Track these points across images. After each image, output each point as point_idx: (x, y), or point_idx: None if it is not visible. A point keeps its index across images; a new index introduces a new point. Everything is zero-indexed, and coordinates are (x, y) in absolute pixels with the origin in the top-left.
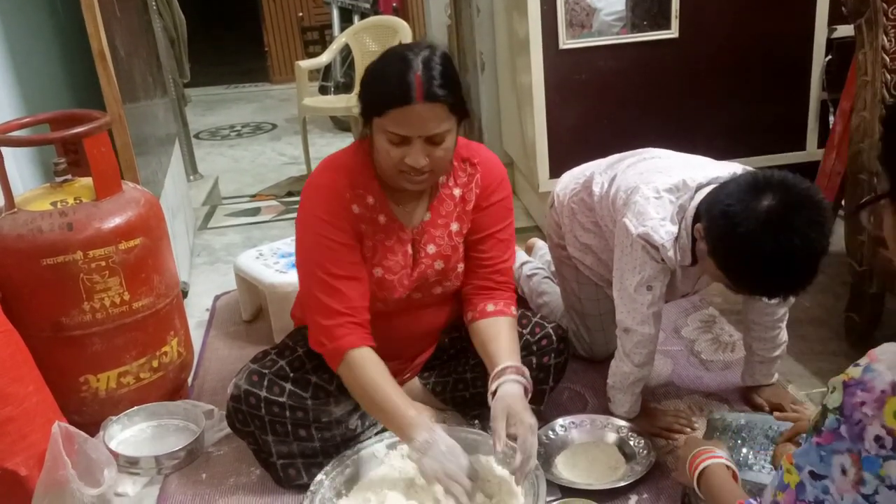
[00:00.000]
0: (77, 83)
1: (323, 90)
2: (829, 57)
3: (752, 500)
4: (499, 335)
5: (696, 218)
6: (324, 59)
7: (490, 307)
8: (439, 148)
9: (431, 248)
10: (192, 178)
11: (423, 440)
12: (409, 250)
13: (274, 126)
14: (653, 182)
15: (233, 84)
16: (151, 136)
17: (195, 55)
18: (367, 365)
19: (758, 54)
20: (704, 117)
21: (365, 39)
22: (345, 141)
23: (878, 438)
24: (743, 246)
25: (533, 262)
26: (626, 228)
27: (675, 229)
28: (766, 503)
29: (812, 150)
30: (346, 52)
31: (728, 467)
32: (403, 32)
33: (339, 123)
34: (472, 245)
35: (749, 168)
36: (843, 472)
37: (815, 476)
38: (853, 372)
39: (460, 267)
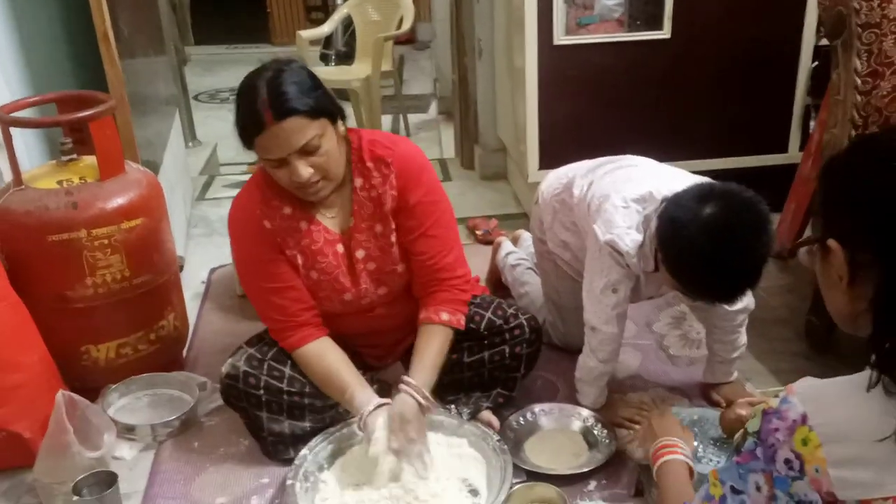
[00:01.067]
0: (82, 62)
1: (324, 58)
2: (816, 63)
3: None
4: (429, 346)
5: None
6: (325, 29)
7: (444, 315)
8: (317, 154)
9: (361, 253)
10: (190, 144)
11: (363, 414)
12: (340, 249)
13: None
14: (622, 192)
15: (233, 44)
16: (152, 109)
17: (196, 10)
18: (310, 361)
19: (746, 58)
20: (692, 117)
21: (367, 9)
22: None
23: (787, 461)
24: (686, 250)
25: (518, 252)
26: (595, 234)
27: (639, 237)
28: (687, 492)
29: (793, 153)
30: (347, 21)
31: (688, 464)
32: (406, 7)
33: (340, 94)
34: (408, 248)
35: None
36: (758, 488)
37: (734, 491)
38: (773, 402)
39: (399, 267)
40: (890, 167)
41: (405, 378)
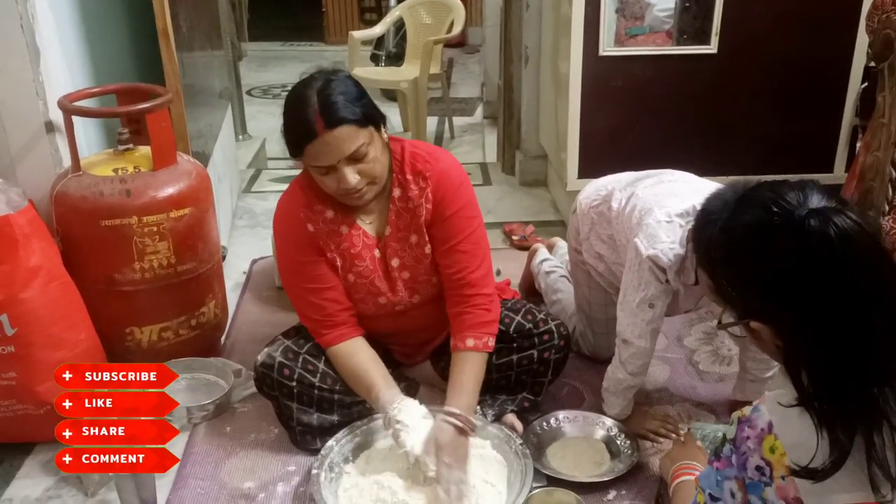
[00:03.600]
0: (141, 56)
1: (374, 58)
2: (865, 84)
3: None
4: (462, 373)
5: None
6: (377, 30)
7: (469, 342)
8: (364, 162)
9: (396, 262)
10: (241, 137)
11: (389, 414)
12: (377, 254)
13: None
14: (666, 206)
15: (288, 41)
16: (205, 101)
17: (254, 8)
18: (342, 359)
19: (794, 76)
20: (735, 133)
21: (420, 13)
22: (391, 111)
23: (758, 468)
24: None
25: (552, 259)
26: (636, 248)
27: (682, 252)
28: None
29: (839, 174)
30: (399, 23)
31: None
32: (457, 11)
33: (388, 94)
34: (438, 260)
35: None
36: (732, 495)
37: (713, 498)
38: (746, 410)
39: (434, 279)
40: (767, 239)
41: (445, 407)
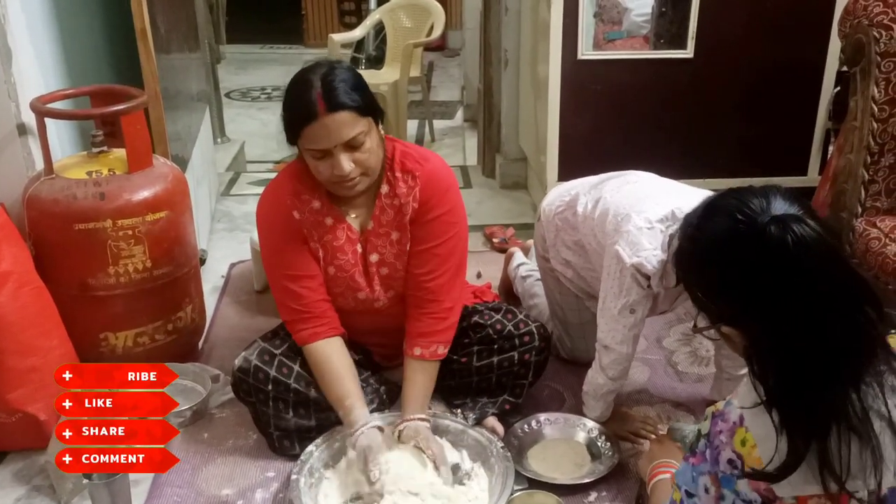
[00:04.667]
0: (117, 57)
1: (354, 61)
2: (838, 89)
3: None
4: (413, 382)
5: None
6: (357, 33)
7: (417, 350)
8: (360, 150)
9: (374, 257)
10: (219, 140)
11: (353, 431)
12: (359, 249)
13: None
14: (644, 212)
15: (267, 44)
16: (183, 104)
17: (232, 10)
18: (319, 360)
19: (768, 80)
20: (711, 136)
21: (400, 16)
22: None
23: (730, 461)
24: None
25: (529, 263)
26: (618, 256)
27: (664, 257)
28: None
29: (813, 176)
30: (379, 26)
31: None
32: (437, 14)
33: None
34: (410, 257)
35: None
36: (706, 490)
37: (688, 494)
38: (720, 405)
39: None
40: (731, 248)
41: (402, 420)
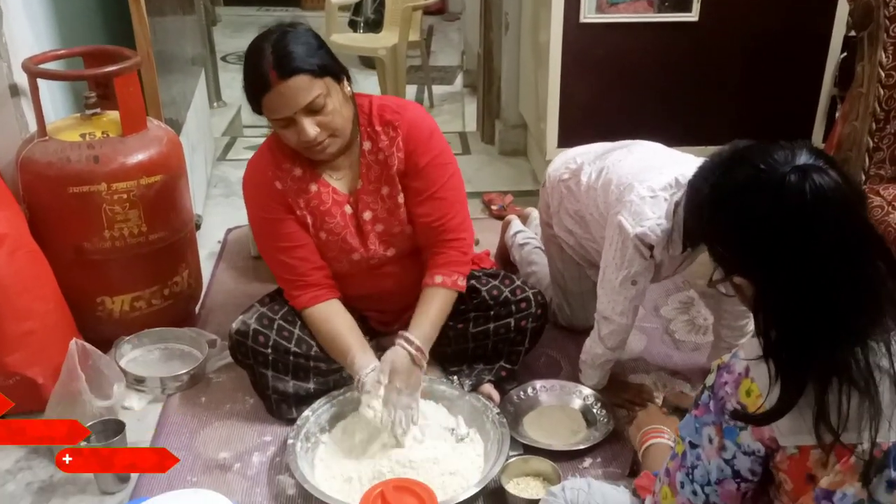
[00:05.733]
0: (110, 18)
1: (352, 25)
2: (844, 55)
3: (657, 472)
4: (427, 305)
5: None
6: None
7: (438, 278)
8: (323, 114)
9: (368, 215)
10: (215, 104)
11: (361, 376)
12: (348, 210)
13: None
14: (646, 181)
15: (264, 6)
16: (177, 67)
17: None
18: (318, 322)
19: (774, 45)
20: (715, 102)
21: None
22: (369, 79)
23: (734, 412)
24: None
25: (526, 231)
26: (620, 226)
27: (668, 225)
28: (662, 470)
29: (817, 143)
30: None
31: (671, 448)
32: None
33: (366, 61)
34: (414, 209)
35: None
36: (710, 440)
37: (692, 445)
38: (725, 358)
39: (407, 229)
40: (751, 196)
41: (401, 332)
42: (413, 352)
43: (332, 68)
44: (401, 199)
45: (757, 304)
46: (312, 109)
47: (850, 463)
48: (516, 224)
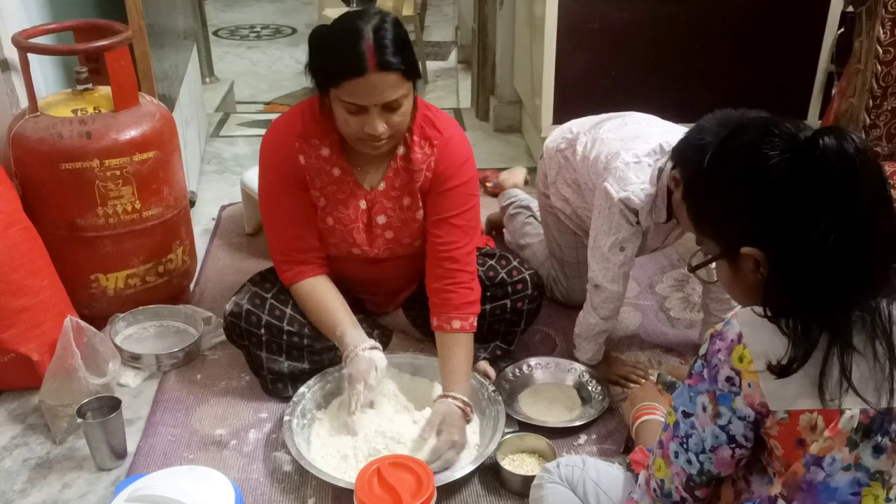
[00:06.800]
0: None
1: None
2: (842, 30)
3: (651, 448)
4: (455, 356)
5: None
6: None
7: (456, 324)
8: (397, 113)
9: (382, 219)
10: (208, 80)
11: (351, 350)
12: (363, 206)
13: (294, 31)
14: (633, 148)
15: None
16: (169, 42)
17: None
18: (307, 296)
19: (771, 20)
20: (711, 78)
21: None
22: None
23: (728, 378)
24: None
25: (517, 199)
26: (606, 192)
27: (653, 190)
28: (655, 442)
29: (813, 120)
30: None
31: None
32: None
33: None
34: (429, 228)
35: None
36: (704, 409)
37: (685, 415)
38: (719, 326)
39: (417, 242)
40: (766, 156)
41: (447, 392)
42: (464, 408)
43: (418, 72)
44: (419, 214)
45: (768, 274)
46: (392, 107)
47: (839, 428)
48: (511, 193)
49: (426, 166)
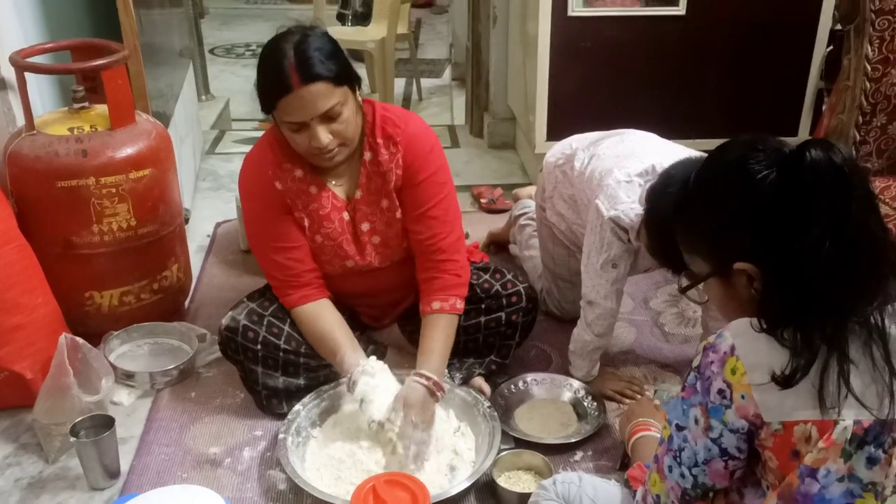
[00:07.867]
0: (97, 11)
1: (340, 18)
2: (830, 48)
3: (649, 464)
4: (431, 336)
5: None
6: None
7: (436, 304)
8: (338, 122)
9: (366, 226)
10: (203, 97)
11: (351, 377)
12: (346, 217)
13: None
14: (626, 167)
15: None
16: (165, 60)
17: None
18: (307, 321)
19: (761, 39)
20: (703, 95)
21: None
22: (358, 72)
23: (720, 391)
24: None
25: (529, 210)
26: (597, 209)
27: (642, 210)
28: (652, 458)
29: (803, 136)
30: None
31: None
32: None
33: (354, 55)
34: (409, 226)
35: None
36: (696, 421)
37: (679, 428)
38: (711, 338)
39: (405, 243)
40: (753, 171)
41: (416, 370)
42: (430, 385)
43: (350, 76)
44: (398, 214)
45: (762, 288)
46: (329, 117)
47: (833, 439)
48: (526, 202)
49: (395, 164)
